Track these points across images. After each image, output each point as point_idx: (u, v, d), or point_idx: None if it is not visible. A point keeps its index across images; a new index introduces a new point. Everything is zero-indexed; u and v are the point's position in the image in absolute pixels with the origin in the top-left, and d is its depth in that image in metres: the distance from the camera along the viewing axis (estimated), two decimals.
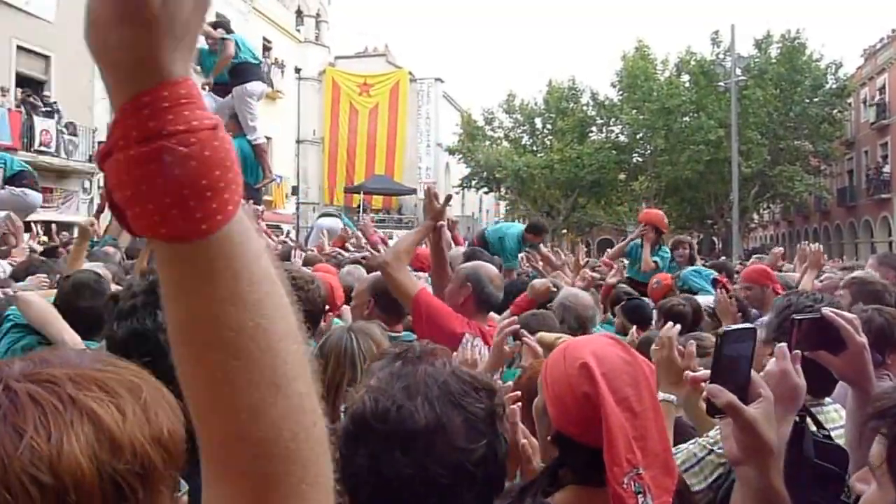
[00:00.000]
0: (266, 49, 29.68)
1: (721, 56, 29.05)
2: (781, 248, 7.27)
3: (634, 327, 3.82)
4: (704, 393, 1.25)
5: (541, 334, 2.56)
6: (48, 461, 0.57)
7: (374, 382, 1.17)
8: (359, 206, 27.85)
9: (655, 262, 6.52)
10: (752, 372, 1.26)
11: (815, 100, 29.07)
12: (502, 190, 35.22)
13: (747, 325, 1.37)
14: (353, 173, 34.43)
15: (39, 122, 17.47)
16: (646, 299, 4.77)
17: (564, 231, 34.90)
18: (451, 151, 34.67)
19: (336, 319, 3.34)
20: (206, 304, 0.52)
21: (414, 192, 32.11)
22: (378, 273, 3.26)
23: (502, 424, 1.19)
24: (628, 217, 31.97)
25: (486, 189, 35.42)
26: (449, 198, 3.37)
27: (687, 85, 30.60)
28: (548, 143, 33.78)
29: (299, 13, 34.50)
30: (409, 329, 3.48)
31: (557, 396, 1.40)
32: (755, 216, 35.52)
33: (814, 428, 1.66)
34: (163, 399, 0.67)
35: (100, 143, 7.67)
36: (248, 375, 0.53)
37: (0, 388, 0.60)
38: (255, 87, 7.72)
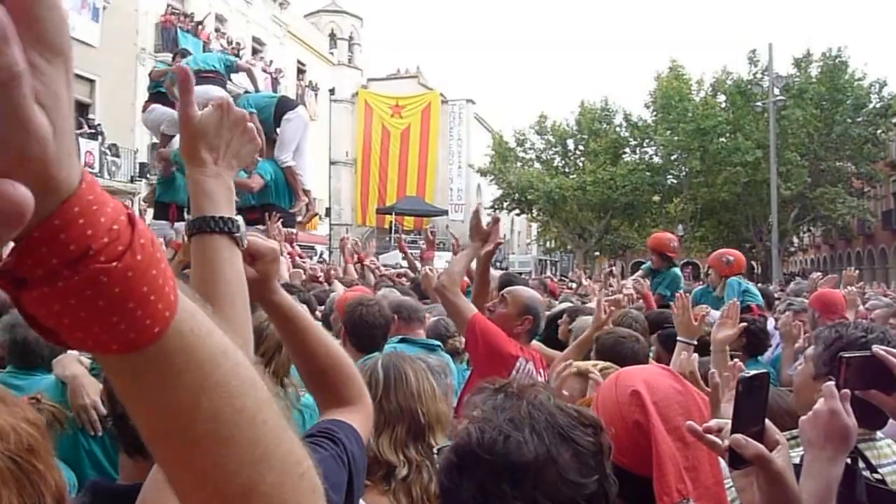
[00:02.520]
0: (300, 72, 30.17)
1: (759, 75, 28.68)
2: (820, 273, 7.08)
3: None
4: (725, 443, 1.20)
5: (575, 363, 2.50)
6: None
7: (476, 414, 1.13)
8: (391, 227, 27.91)
9: (659, 294, 6.36)
10: (837, 405, 1.24)
11: (858, 120, 28.38)
12: (534, 212, 35.02)
13: (762, 370, 1.31)
14: (384, 194, 34.60)
15: (84, 144, 17.94)
16: None
17: (597, 253, 34.51)
18: (483, 173, 34.66)
19: None
20: (178, 403, 0.50)
21: (445, 213, 32.13)
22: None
23: (610, 463, 1.13)
24: None
25: (517, 211, 35.27)
26: (497, 220, 3.40)
27: (723, 105, 30.20)
28: (580, 164, 33.58)
29: (332, 36, 35.05)
30: (437, 336, 3.69)
31: (608, 424, 1.33)
32: (795, 239, 34.73)
33: (867, 472, 1.59)
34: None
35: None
36: (238, 459, 0.52)
37: None
38: (301, 111, 7.72)
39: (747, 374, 1.27)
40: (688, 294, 5.45)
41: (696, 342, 3.08)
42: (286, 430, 0.56)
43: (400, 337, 3.39)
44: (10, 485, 0.68)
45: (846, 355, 1.56)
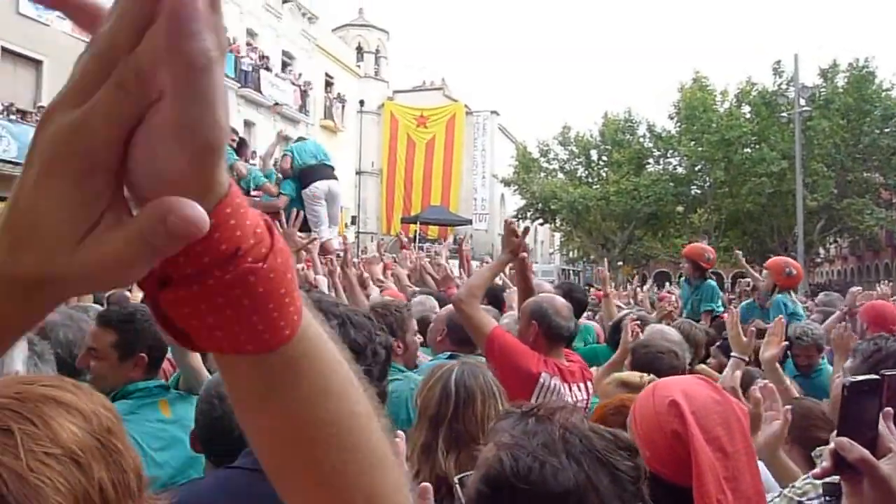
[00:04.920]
0: (328, 84, 30.65)
1: (784, 86, 28.54)
2: (860, 287, 6.71)
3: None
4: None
5: (626, 374, 2.50)
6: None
7: (506, 440, 1.05)
8: (415, 236, 28.17)
9: (709, 308, 6.34)
10: (882, 426, 1.19)
11: (886, 130, 28.04)
12: (557, 221, 35.10)
13: (874, 376, 1.27)
14: (409, 204, 34.92)
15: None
16: None
17: (620, 263, 34.45)
18: (507, 183, 34.83)
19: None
20: (301, 408, 0.51)
21: (469, 222, 32.35)
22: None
23: (646, 487, 1.07)
24: None
25: (540, 221, 35.37)
26: (527, 230, 3.30)
27: (748, 116, 30.08)
28: (603, 174, 33.60)
29: (359, 49, 35.54)
30: None
31: (647, 435, 1.38)
32: (821, 251, 34.37)
33: None
34: None
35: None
36: (358, 465, 0.53)
37: None
38: (318, 186, 7.56)
39: (854, 379, 1.23)
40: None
41: (747, 358, 3.00)
42: (390, 448, 0.58)
43: (448, 354, 3.14)
44: (98, 460, 0.73)
45: (888, 373, 1.48)
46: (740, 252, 8.94)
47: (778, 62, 29.64)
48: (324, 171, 7.71)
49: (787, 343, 3.12)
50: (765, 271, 6.38)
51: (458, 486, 1.12)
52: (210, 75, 0.37)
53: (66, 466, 0.69)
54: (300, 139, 9.06)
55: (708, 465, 1.27)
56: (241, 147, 7.92)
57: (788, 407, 2.03)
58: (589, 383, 2.93)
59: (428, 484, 1.14)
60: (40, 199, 0.38)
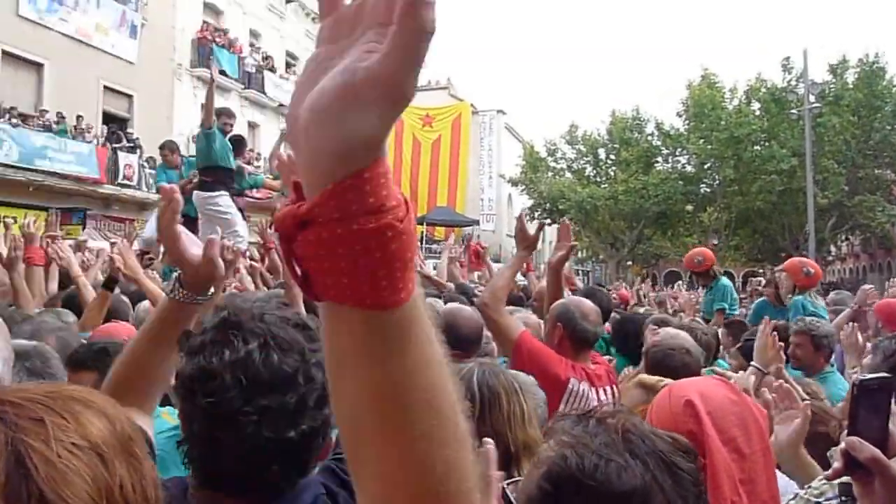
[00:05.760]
0: None
1: (793, 83, 28.27)
2: (871, 286, 6.83)
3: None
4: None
5: (643, 376, 2.45)
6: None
7: (567, 439, 1.04)
8: (421, 237, 28.05)
9: (721, 308, 6.34)
10: (893, 425, 1.17)
11: None
12: (565, 221, 34.91)
13: (884, 374, 1.27)
14: (415, 205, 34.25)
15: (123, 158, 18.42)
16: None
17: (630, 263, 34.22)
18: (514, 183, 34.67)
19: None
20: (404, 370, 0.53)
21: (476, 223, 32.18)
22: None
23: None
24: None
25: (548, 220, 35.17)
26: (542, 226, 3.30)
27: (757, 113, 29.81)
28: (612, 173, 33.40)
29: None
30: None
31: None
32: (833, 248, 34.05)
33: None
34: None
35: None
36: (443, 433, 0.55)
37: None
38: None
39: (863, 377, 1.22)
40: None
41: (767, 371, 2.90)
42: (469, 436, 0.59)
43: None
44: (120, 460, 0.76)
45: None
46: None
47: (787, 58, 29.39)
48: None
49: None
50: (783, 273, 6.33)
51: (507, 489, 1.09)
52: (429, 43, 0.44)
53: (92, 458, 0.73)
54: None
55: (723, 465, 1.26)
56: (239, 147, 7.75)
57: (808, 402, 2.02)
58: (615, 387, 2.90)
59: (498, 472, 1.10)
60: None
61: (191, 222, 7.68)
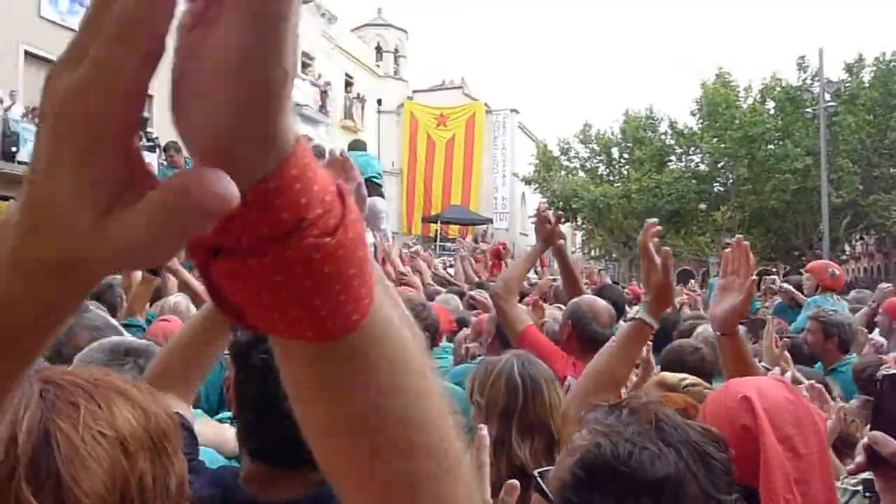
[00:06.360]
0: (348, 84, 30.82)
1: (808, 81, 28.10)
2: (890, 285, 6.70)
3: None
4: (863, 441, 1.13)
5: (664, 374, 2.47)
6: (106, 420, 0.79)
7: (600, 427, 1.05)
8: (435, 235, 28.22)
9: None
10: None
11: None
12: (578, 220, 34.91)
13: None
14: (430, 203, 34.97)
15: (143, 157, 18.64)
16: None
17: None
18: (527, 182, 34.71)
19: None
20: (367, 402, 0.44)
21: (490, 221, 32.30)
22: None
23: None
24: (710, 248, 31.08)
25: (562, 219, 35.12)
26: (560, 217, 3.24)
27: (771, 112, 29.65)
28: (625, 172, 33.34)
29: (378, 49, 35.63)
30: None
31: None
32: (847, 248, 33.82)
33: None
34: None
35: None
36: (426, 468, 0.47)
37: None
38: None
39: (890, 372, 1.22)
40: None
41: (775, 369, 2.89)
42: (461, 443, 0.51)
43: None
44: (145, 454, 0.79)
45: None
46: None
47: (802, 57, 29.17)
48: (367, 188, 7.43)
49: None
50: (807, 274, 6.39)
51: (539, 478, 1.10)
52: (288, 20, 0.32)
53: (115, 449, 0.76)
54: (355, 144, 8.40)
55: (777, 462, 1.24)
56: None
57: (841, 405, 2.07)
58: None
59: (515, 482, 1.14)
60: (51, 177, 0.33)
61: None
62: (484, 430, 1.14)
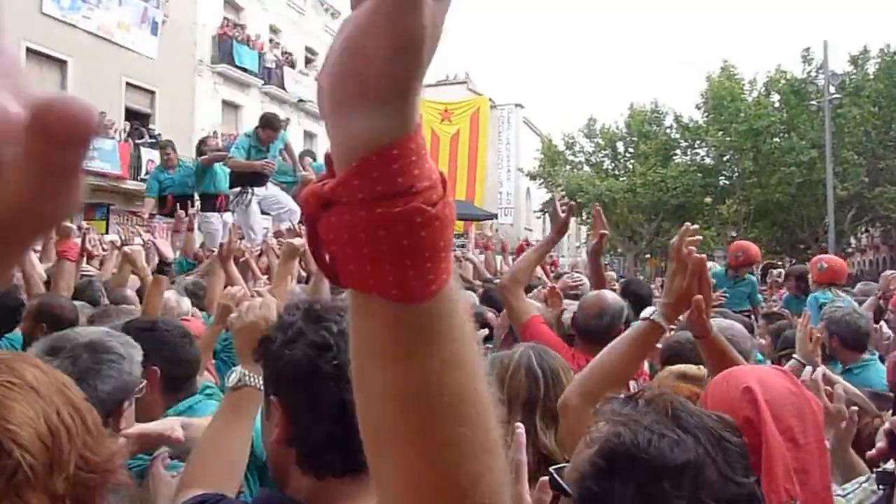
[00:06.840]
0: None
1: (813, 74, 27.95)
2: (893, 272, 6.58)
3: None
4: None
5: (684, 366, 2.46)
6: None
7: (618, 418, 1.06)
8: None
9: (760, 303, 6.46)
10: None
11: None
12: (584, 214, 34.87)
13: None
14: None
15: (145, 153, 18.72)
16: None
17: (648, 255, 34.11)
18: (532, 176, 34.68)
19: None
20: (431, 369, 0.48)
21: (495, 216, 32.28)
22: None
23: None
24: (715, 242, 30.97)
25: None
26: (571, 209, 3.26)
27: (776, 105, 29.52)
28: (630, 166, 33.26)
29: None
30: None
31: None
32: (853, 240, 33.66)
33: None
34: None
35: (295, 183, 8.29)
36: (471, 442, 0.50)
37: None
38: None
39: None
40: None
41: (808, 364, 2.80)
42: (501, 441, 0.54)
43: None
44: (56, 396, 0.90)
45: None
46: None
47: (807, 49, 28.99)
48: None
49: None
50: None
51: (556, 475, 1.09)
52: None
53: (29, 394, 0.86)
54: None
55: (779, 453, 1.26)
56: (270, 124, 8.02)
57: (854, 408, 2.07)
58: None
59: (546, 479, 1.14)
60: None
61: (210, 198, 7.98)
62: (521, 428, 1.14)
